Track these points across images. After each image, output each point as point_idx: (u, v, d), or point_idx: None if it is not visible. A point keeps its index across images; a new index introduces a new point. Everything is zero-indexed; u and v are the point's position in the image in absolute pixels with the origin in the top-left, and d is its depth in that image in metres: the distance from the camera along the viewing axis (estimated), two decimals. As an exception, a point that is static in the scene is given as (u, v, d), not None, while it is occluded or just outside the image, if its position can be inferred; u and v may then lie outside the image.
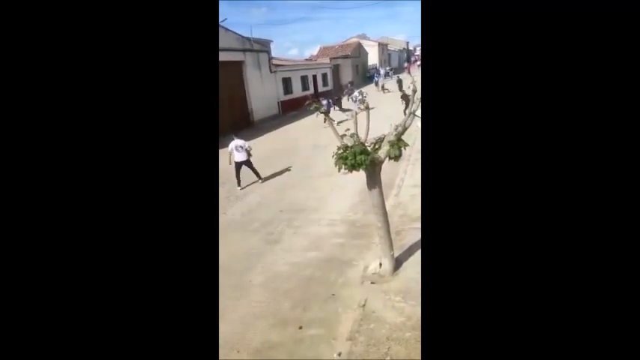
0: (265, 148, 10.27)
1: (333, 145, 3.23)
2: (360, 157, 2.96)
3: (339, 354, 2.63)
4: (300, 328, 2.97)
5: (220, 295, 3.56)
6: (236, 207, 5.95)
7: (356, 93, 14.18)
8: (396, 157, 3.07)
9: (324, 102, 13.95)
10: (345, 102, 15.08)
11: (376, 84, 22.26)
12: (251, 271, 3.94)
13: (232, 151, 6.68)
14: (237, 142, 6.68)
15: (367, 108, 3.77)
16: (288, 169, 7.80)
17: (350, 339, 2.74)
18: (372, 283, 3.39)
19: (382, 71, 26.98)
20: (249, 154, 6.77)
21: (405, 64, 38.43)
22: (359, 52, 31.31)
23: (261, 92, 15.48)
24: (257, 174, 6.94)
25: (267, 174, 7.60)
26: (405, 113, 5.42)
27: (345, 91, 18.82)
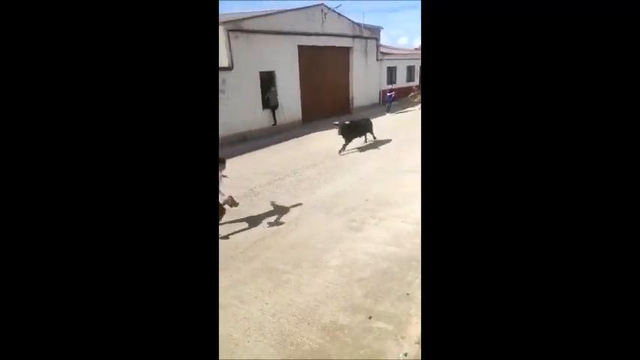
0: (360, 136, 10.30)
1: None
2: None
3: (406, 354, 2.57)
4: (370, 318, 2.99)
5: (298, 268, 3.80)
6: (323, 189, 6.16)
7: None
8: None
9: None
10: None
11: None
12: (329, 253, 4.07)
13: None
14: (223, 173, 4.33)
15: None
16: (378, 161, 7.72)
17: (419, 343, 2.65)
18: (452, 292, 3.19)
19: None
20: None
21: None
22: (476, 43, 28.45)
23: (364, 80, 15.43)
24: None
25: (358, 163, 7.65)
26: None
27: None
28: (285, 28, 10.89)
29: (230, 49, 9.28)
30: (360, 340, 2.77)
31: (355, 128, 8.67)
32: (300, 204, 5.54)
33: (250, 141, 9.89)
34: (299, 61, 11.76)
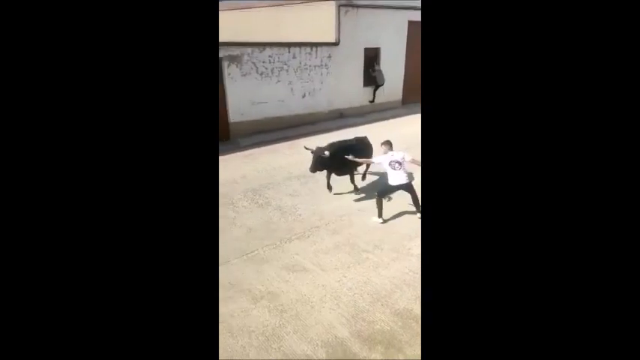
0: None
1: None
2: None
3: None
4: (447, 314, 2.88)
5: (378, 249, 3.83)
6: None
7: None
8: None
9: None
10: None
11: None
12: (412, 241, 3.98)
13: (386, 168, 4.27)
14: (394, 155, 4.26)
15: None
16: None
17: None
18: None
19: None
20: (410, 177, 4.27)
21: None
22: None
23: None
24: (417, 206, 4.39)
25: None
26: None
27: None
28: (397, 3, 10.38)
29: (339, 24, 9.31)
30: (434, 333, 2.70)
31: (341, 159, 4.53)
32: (388, 187, 5.47)
33: (347, 118, 9.99)
34: (407, 38, 11.16)
